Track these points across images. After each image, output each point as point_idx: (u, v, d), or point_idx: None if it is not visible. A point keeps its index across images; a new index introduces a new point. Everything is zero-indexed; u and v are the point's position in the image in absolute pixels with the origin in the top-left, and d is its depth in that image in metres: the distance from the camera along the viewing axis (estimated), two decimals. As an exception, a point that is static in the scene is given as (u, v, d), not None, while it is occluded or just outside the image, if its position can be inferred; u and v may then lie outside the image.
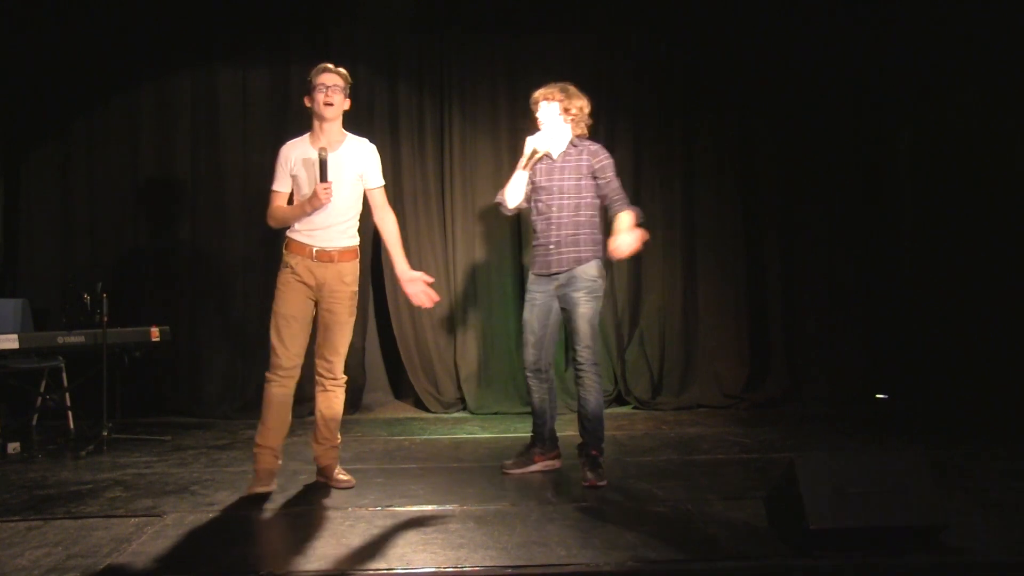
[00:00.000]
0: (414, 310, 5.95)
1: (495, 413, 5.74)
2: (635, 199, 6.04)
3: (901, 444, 4.57)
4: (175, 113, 5.90)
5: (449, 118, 6.02)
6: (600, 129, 6.09)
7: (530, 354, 3.87)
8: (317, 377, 3.70)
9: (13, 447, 4.46)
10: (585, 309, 3.73)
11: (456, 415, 5.80)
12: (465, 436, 5.02)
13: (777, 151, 6.21)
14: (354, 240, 3.71)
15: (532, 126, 6.28)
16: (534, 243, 3.90)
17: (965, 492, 3.39)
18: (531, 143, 3.83)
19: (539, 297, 3.83)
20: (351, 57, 5.97)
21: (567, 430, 5.13)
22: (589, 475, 3.67)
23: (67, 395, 5.16)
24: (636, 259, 6.11)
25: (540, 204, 3.85)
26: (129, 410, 5.18)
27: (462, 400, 5.92)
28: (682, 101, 6.18)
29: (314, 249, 3.59)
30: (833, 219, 6.18)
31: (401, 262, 3.81)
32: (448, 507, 3.30)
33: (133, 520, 3.17)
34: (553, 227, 3.78)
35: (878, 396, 6.11)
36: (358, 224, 3.74)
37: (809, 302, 6.17)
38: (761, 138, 6.21)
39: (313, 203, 3.52)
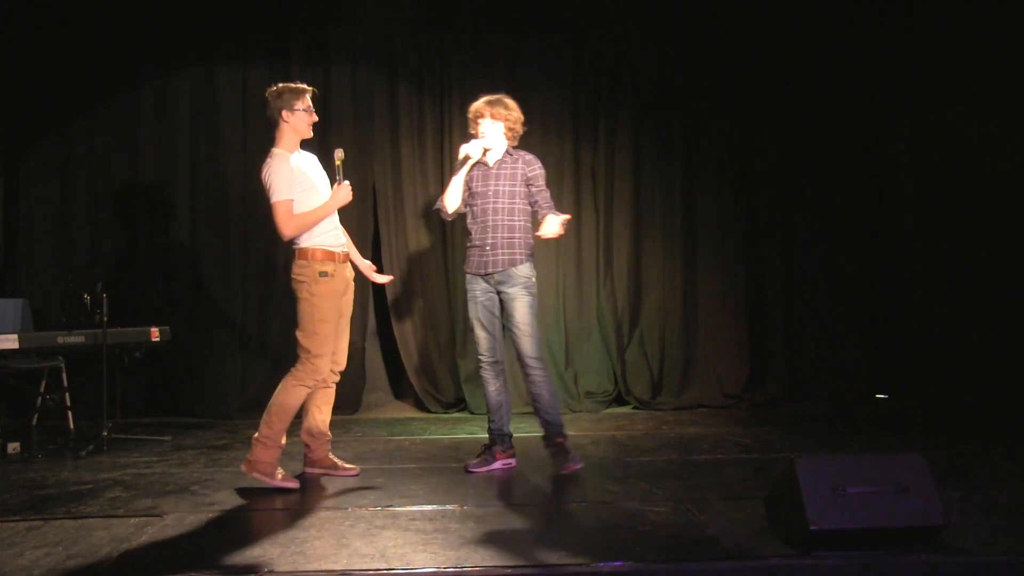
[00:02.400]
0: (414, 310, 5.95)
1: (495, 413, 5.72)
2: (635, 199, 6.11)
3: (901, 444, 4.57)
4: (175, 113, 5.90)
5: (449, 118, 6.02)
6: (600, 129, 6.12)
7: (484, 350, 3.97)
8: (322, 377, 3.78)
9: (13, 447, 4.46)
10: (522, 304, 3.89)
11: (456, 415, 5.80)
12: (465, 436, 5.02)
13: (777, 151, 6.22)
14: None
15: (532, 126, 6.32)
16: (470, 244, 4.03)
17: (965, 492, 3.39)
18: (464, 150, 3.99)
19: (480, 295, 3.97)
20: (351, 57, 5.98)
21: (568, 429, 5.13)
22: (566, 463, 3.86)
23: (67, 395, 5.16)
24: (636, 259, 6.13)
25: (476, 209, 4.00)
26: (129, 410, 5.18)
27: (462, 400, 5.91)
28: (682, 101, 6.18)
29: (340, 253, 3.76)
30: (833, 219, 6.18)
31: (362, 259, 4.07)
32: (448, 507, 3.30)
33: (133, 520, 3.17)
34: (489, 230, 3.93)
35: (878, 396, 6.12)
36: None
37: (809, 302, 6.17)
38: (761, 138, 6.22)
39: (340, 201, 3.73)
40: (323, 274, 3.67)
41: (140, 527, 3.08)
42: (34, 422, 5.28)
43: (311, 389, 3.72)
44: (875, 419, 5.43)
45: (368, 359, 6.10)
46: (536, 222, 3.97)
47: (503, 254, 3.91)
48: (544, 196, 3.97)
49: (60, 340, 4.63)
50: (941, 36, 5.91)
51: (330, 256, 3.71)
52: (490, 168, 4.00)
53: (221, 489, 3.66)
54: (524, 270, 3.92)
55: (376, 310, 6.16)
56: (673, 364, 6.06)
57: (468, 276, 4.02)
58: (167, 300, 5.82)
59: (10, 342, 4.42)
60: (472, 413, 5.77)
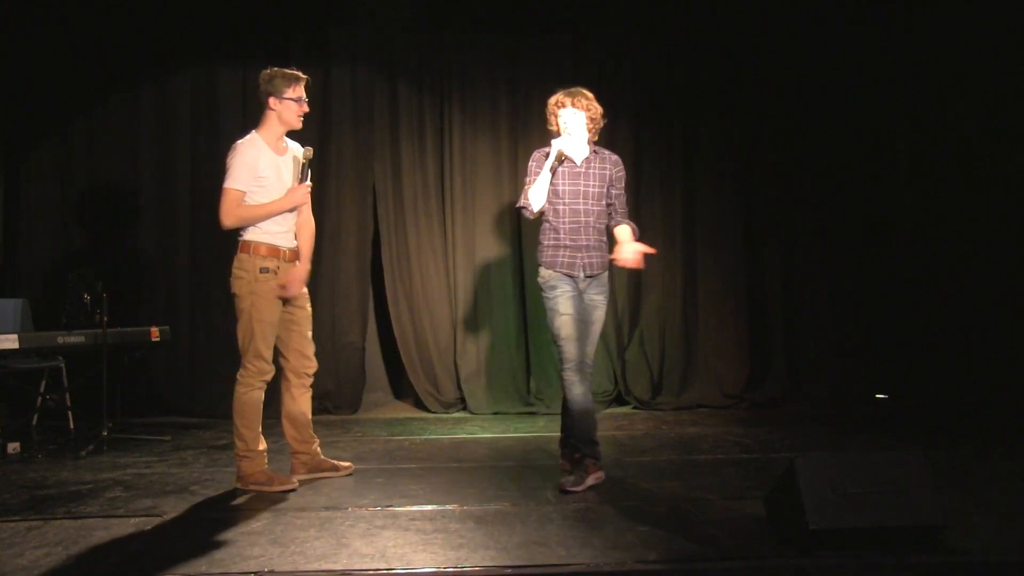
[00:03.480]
0: (414, 310, 5.95)
1: (495, 413, 5.74)
2: (635, 199, 6.10)
3: (901, 444, 4.57)
4: (175, 113, 5.90)
5: (449, 118, 6.02)
6: (601, 130, 6.10)
7: (573, 349, 3.69)
8: (297, 379, 3.74)
9: (13, 447, 4.46)
10: (601, 314, 3.82)
11: (456, 415, 5.80)
12: (465, 436, 5.02)
13: (777, 151, 6.21)
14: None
15: (532, 126, 6.32)
16: (555, 243, 3.77)
17: (965, 492, 3.39)
18: (557, 145, 3.76)
19: (571, 291, 3.73)
20: (351, 57, 5.98)
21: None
22: (587, 476, 3.65)
23: (67, 395, 5.16)
24: (636, 259, 6.12)
25: (561, 208, 3.78)
26: (129, 410, 5.17)
27: (462, 400, 5.91)
28: (682, 101, 6.18)
29: (287, 251, 3.64)
30: (833, 219, 6.18)
31: (308, 262, 3.81)
32: (448, 507, 3.30)
33: (133, 520, 3.17)
34: (582, 230, 3.76)
35: (878, 396, 6.12)
36: None
37: (809, 302, 6.17)
38: (761, 138, 6.22)
39: (295, 201, 3.60)
40: (264, 270, 3.56)
41: (140, 527, 3.08)
42: (34, 422, 5.28)
43: (262, 389, 3.62)
44: (875, 419, 5.42)
45: (368, 359, 6.10)
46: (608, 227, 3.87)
47: (597, 256, 3.78)
48: (623, 200, 3.91)
49: (60, 340, 4.63)
50: (941, 36, 5.91)
51: (275, 252, 3.59)
52: (577, 166, 3.79)
53: (221, 489, 3.66)
54: (607, 277, 3.86)
55: (376, 310, 6.16)
56: (673, 364, 6.06)
57: (551, 275, 3.74)
58: (167, 300, 5.81)
59: (10, 342, 4.42)
60: (472, 413, 5.77)
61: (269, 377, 3.63)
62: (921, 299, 6.05)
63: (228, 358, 5.82)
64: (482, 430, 5.21)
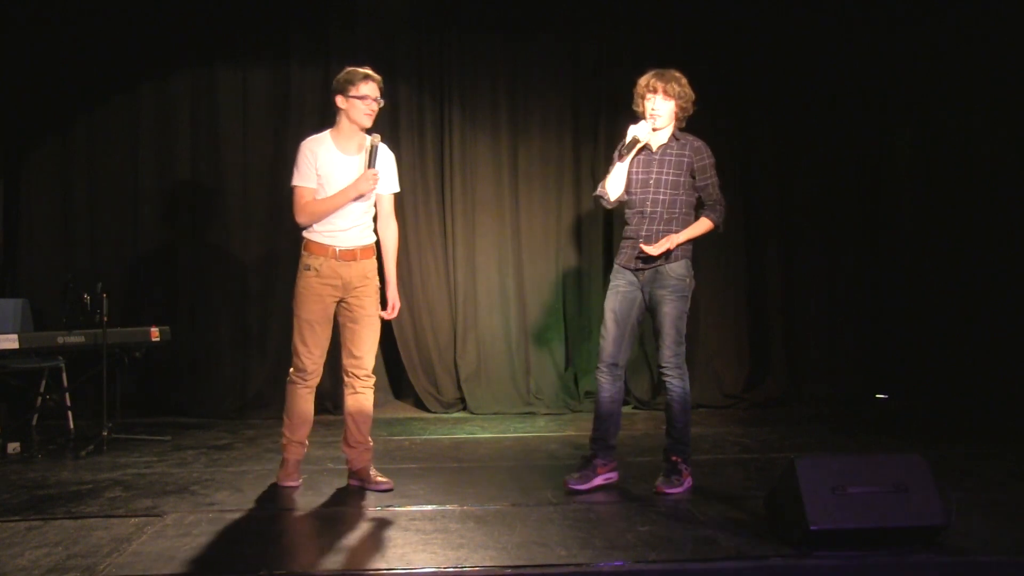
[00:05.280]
0: (414, 310, 5.95)
1: (495, 413, 5.73)
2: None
3: (901, 444, 4.57)
4: (175, 113, 5.89)
5: (449, 118, 6.02)
6: (600, 129, 6.11)
7: (609, 347, 3.63)
8: (346, 378, 3.67)
9: (13, 447, 4.46)
10: (670, 309, 3.57)
11: (456, 415, 5.79)
12: (465, 436, 5.02)
13: (777, 151, 6.21)
14: (373, 238, 3.70)
15: (532, 125, 6.31)
16: (624, 235, 3.71)
17: (965, 492, 3.39)
18: (633, 132, 3.64)
19: (623, 287, 3.64)
20: (351, 57, 5.93)
21: (568, 429, 5.15)
22: (659, 480, 3.56)
23: (67, 395, 5.15)
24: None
25: (635, 198, 3.66)
26: (129, 410, 5.17)
27: (462, 400, 5.91)
28: (682, 101, 6.16)
29: (337, 249, 3.57)
30: (833, 219, 6.18)
31: (392, 279, 3.77)
32: (448, 507, 3.31)
33: (133, 520, 3.17)
34: (646, 221, 3.61)
35: (878, 396, 6.12)
36: (373, 225, 3.72)
37: (809, 302, 6.17)
38: (761, 138, 6.21)
39: (360, 188, 3.52)
40: (306, 267, 3.56)
41: (140, 527, 3.08)
42: (34, 422, 5.27)
43: (301, 386, 3.59)
44: (875, 419, 5.43)
45: (368, 359, 6.09)
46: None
47: None
48: (708, 190, 3.64)
49: (60, 340, 4.62)
50: (942, 35, 5.91)
51: (322, 250, 3.55)
52: (653, 153, 3.65)
53: (221, 489, 3.66)
54: (678, 269, 3.58)
55: (376, 310, 6.15)
56: (673, 364, 6.05)
57: (616, 268, 3.69)
58: (167, 300, 5.81)
59: (10, 342, 4.41)
60: (472, 413, 5.77)
61: (308, 378, 3.60)
62: (921, 299, 6.05)
63: (228, 358, 5.84)
64: (482, 430, 5.21)
